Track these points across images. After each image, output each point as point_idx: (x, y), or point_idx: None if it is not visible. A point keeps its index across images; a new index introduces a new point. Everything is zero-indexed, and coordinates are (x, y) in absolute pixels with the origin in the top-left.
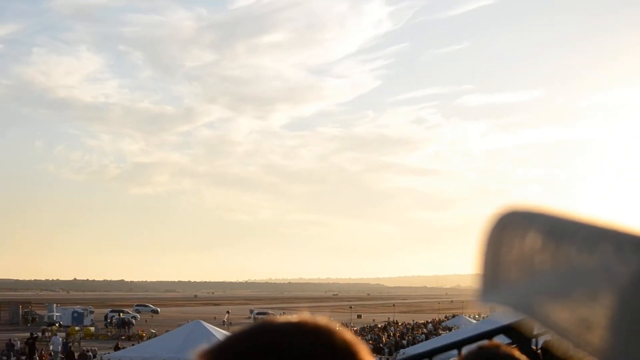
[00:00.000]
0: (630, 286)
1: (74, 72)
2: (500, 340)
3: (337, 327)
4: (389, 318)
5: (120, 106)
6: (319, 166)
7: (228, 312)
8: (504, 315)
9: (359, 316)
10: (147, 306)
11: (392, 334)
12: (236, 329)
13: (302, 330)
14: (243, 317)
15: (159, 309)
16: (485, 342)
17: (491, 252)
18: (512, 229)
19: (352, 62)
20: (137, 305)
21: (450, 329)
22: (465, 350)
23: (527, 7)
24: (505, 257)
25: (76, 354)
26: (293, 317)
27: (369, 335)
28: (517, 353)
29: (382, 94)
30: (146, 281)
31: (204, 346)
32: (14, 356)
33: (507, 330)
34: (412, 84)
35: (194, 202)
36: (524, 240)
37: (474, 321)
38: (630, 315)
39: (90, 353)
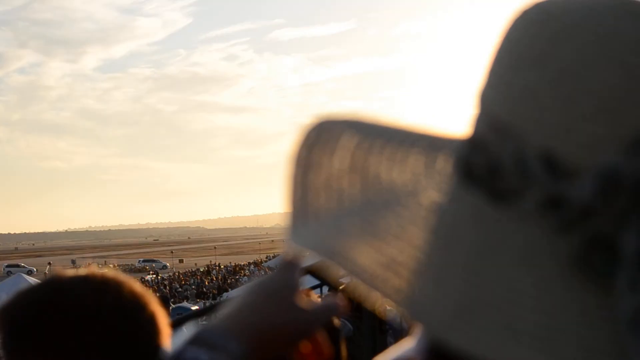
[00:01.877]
0: (439, 214)
1: None
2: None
3: (126, 279)
4: (210, 261)
5: None
6: (134, 108)
7: (49, 263)
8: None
9: (181, 261)
10: None
11: (214, 278)
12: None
13: (89, 284)
14: (65, 267)
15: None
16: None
17: (299, 177)
18: (321, 146)
19: None
20: None
21: (272, 269)
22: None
23: None
24: (313, 182)
25: None
26: (81, 271)
27: (192, 280)
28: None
29: (193, 31)
30: None
31: None
32: None
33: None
34: (223, 20)
35: (9, 151)
36: (332, 158)
37: None
38: (436, 251)
39: None
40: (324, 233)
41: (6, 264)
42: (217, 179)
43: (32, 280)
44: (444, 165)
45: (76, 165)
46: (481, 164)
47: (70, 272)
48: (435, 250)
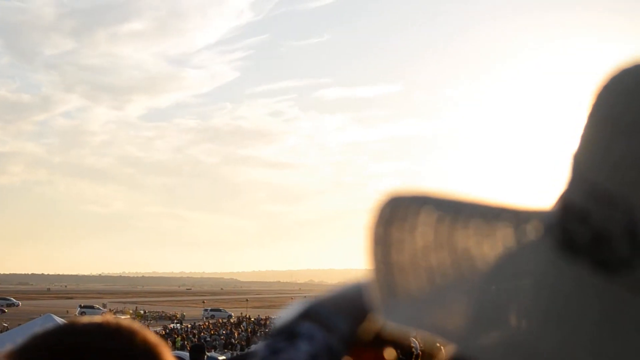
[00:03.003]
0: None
1: None
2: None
3: (140, 328)
4: (241, 313)
5: None
6: (175, 158)
7: (80, 305)
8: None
9: None
10: (8, 299)
11: (244, 329)
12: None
13: (103, 331)
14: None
15: (19, 302)
16: None
17: (380, 255)
18: (398, 223)
19: (212, 53)
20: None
21: None
22: None
23: (387, 2)
24: (398, 259)
25: None
26: (96, 319)
27: (222, 331)
28: None
29: (240, 85)
30: None
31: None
32: None
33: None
34: (270, 76)
35: (48, 194)
36: (414, 235)
37: None
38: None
39: None
40: (426, 310)
41: (80, 304)
42: (254, 233)
43: (61, 320)
44: (537, 237)
45: (114, 210)
46: (584, 234)
47: (85, 318)
48: (552, 326)
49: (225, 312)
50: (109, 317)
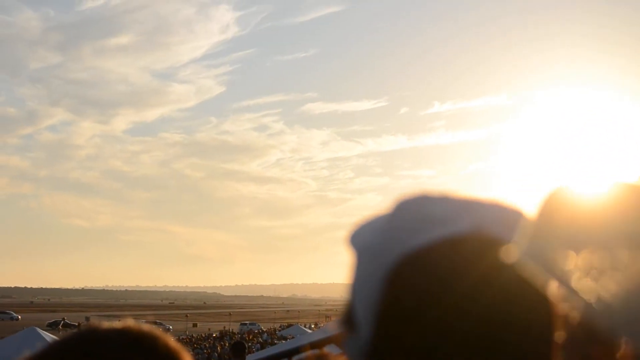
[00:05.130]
0: None
1: None
2: (332, 350)
3: (161, 334)
4: (224, 327)
5: None
6: (161, 172)
7: (63, 319)
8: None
9: (195, 325)
10: (9, 313)
11: (227, 344)
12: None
13: (125, 337)
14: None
15: (19, 316)
16: (314, 352)
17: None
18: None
19: (198, 67)
20: None
21: (285, 339)
22: (295, 359)
23: (374, 17)
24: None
25: None
26: (117, 324)
27: (205, 344)
28: None
29: (225, 100)
30: None
31: (26, 354)
32: None
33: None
34: (256, 90)
35: (33, 207)
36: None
37: (309, 331)
38: None
39: None
40: None
41: None
42: (238, 247)
43: (44, 333)
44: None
45: (99, 225)
46: None
47: (106, 323)
48: None
49: (258, 325)
50: (131, 323)
